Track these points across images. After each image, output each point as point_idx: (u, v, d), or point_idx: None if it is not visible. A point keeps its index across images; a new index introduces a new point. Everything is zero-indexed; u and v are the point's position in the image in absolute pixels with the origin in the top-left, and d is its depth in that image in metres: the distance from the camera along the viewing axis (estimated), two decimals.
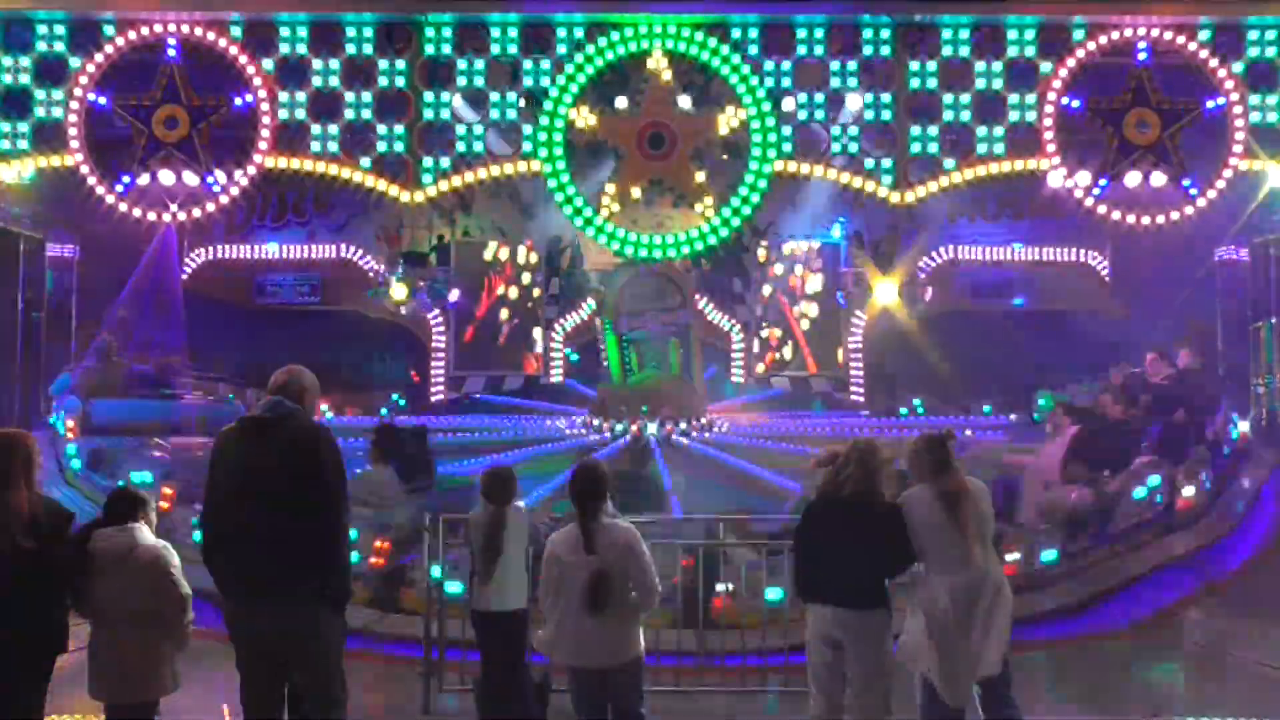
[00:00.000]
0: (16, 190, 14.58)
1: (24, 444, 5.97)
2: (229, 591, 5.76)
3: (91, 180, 13.81)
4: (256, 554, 5.60)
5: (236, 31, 13.92)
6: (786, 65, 14.14)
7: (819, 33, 14.13)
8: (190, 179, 13.81)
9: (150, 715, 6.13)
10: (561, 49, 14.13)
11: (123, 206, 13.91)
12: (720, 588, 10.14)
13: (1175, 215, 13.94)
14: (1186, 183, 13.91)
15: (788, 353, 18.38)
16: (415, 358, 18.85)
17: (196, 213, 14.04)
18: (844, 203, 15.77)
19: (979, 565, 6.46)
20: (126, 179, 13.81)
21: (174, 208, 13.96)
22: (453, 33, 14.13)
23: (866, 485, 6.48)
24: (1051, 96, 13.91)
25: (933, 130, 14.10)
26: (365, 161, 14.08)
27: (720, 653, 9.14)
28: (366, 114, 14.07)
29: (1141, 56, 13.93)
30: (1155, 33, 13.83)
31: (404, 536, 11.11)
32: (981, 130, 14.08)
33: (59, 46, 13.94)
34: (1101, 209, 14.03)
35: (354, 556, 9.01)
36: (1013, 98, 14.05)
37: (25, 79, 13.91)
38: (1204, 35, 13.89)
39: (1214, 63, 13.84)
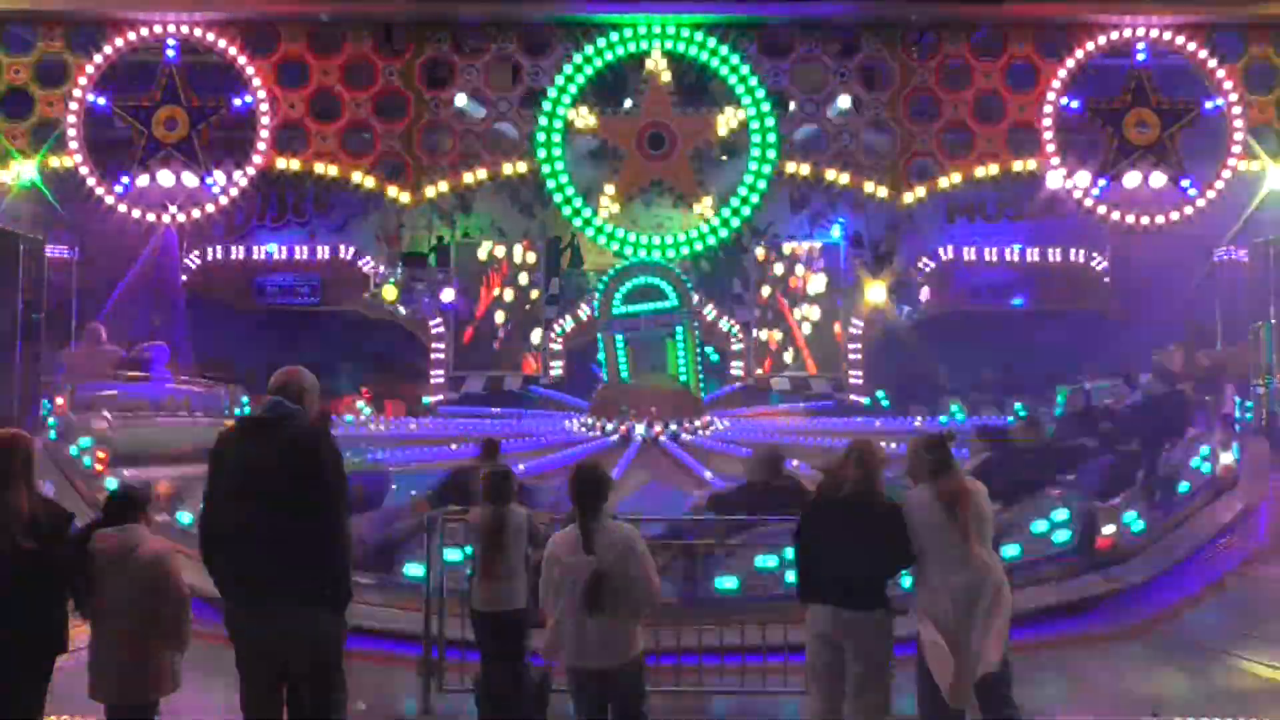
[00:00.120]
0: (17, 191, 14.57)
1: (24, 444, 5.96)
2: (228, 592, 5.75)
3: (91, 181, 13.82)
4: (256, 555, 5.60)
5: (236, 32, 13.92)
6: (786, 66, 14.15)
7: (819, 33, 14.14)
8: (190, 180, 13.83)
9: (150, 716, 6.12)
10: (562, 49, 14.14)
11: (122, 207, 13.92)
12: None
13: (1175, 215, 13.96)
14: (1186, 183, 13.92)
15: (788, 357, 18.38)
16: (413, 358, 18.84)
17: (196, 213, 14.06)
18: (844, 203, 15.80)
19: (979, 565, 6.46)
20: (126, 179, 13.83)
21: (173, 208, 13.99)
22: (453, 34, 14.14)
23: (866, 485, 6.47)
24: (1051, 97, 13.92)
25: (933, 130, 14.11)
26: (365, 162, 14.10)
27: (720, 651, 9.12)
28: (365, 114, 14.08)
29: (1140, 57, 13.94)
30: (1155, 33, 13.85)
31: None
32: (981, 130, 14.09)
33: (59, 47, 13.95)
34: (1101, 209, 14.05)
35: None
36: (1012, 98, 14.07)
37: (26, 80, 13.92)
38: (1203, 36, 13.89)
39: (1213, 63, 13.85)
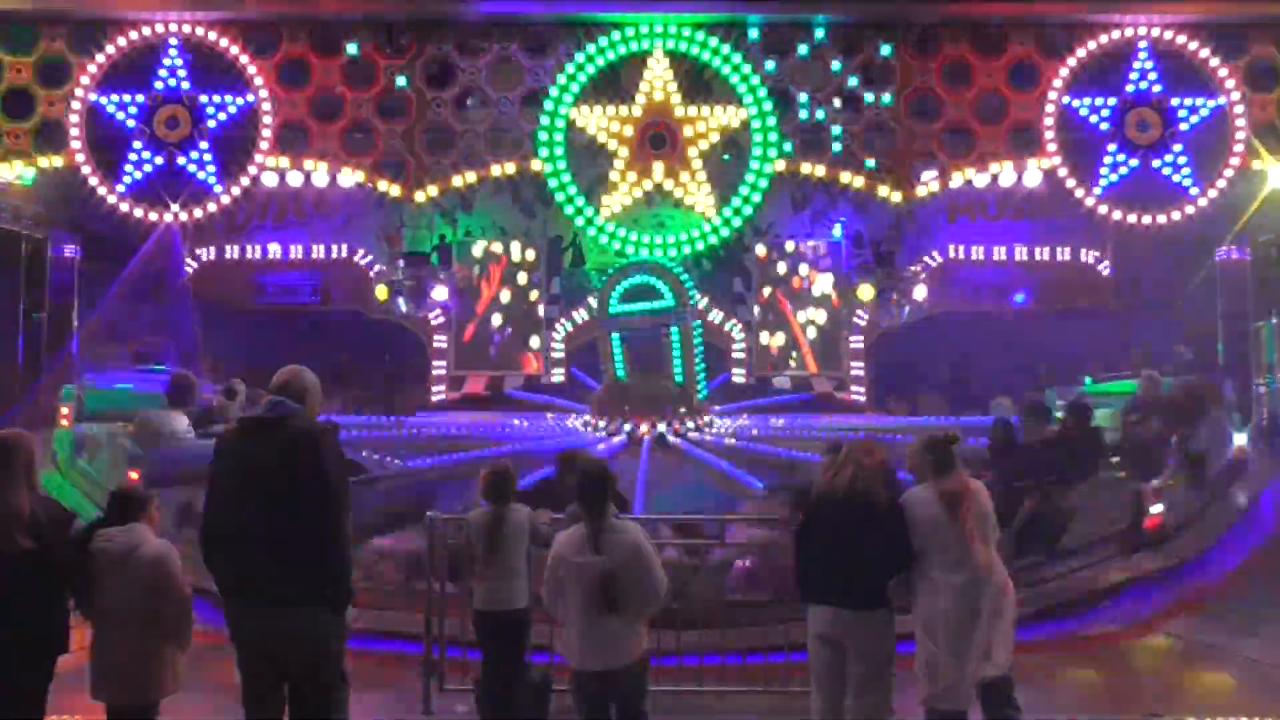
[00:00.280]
0: (18, 191, 14.59)
1: (25, 445, 5.97)
2: (229, 592, 5.75)
3: (93, 180, 13.84)
4: (257, 554, 5.60)
5: (238, 32, 13.94)
6: (788, 65, 14.16)
7: (820, 33, 14.15)
8: (191, 179, 13.88)
9: (152, 716, 6.13)
10: (562, 49, 14.15)
11: (124, 207, 13.94)
12: None
13: (1176, 215, 13.96)
14: (1188, 183, 13.93)
15: (791, 362, 18.36)
16: (415, 358, 18.81)
17: (198, 213, 14.07)
18: (845, 202, 15.81)
19: (981, 565, 6.46)
20: (128, 179, 13.85)
21: (175, 207, 13.99)
22: (454, 33, 14.15)
23: (866, 485, 6.47)
24: (1053, 96, 13.92)
25: (934, 129, 14.12)
26: (366, 162, 14.11)
27: (722, 651, 9.12)
28: (367, 114, 14.09)
29: (1143, 56, 13.94)
30: (1156, 32, 13.84)
31: None
32: (983, 130, 14.10)
33: (61, 47, 13.96)
34: (1102, 209, 14.05)
35: None
36: (1014, 97, 14.07)
37: (27, 80, 13.93)
38: (1205, 35, 13.89)
39: (1215, 62, 13.84)
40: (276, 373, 5.99)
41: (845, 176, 14.22)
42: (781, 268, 18.18)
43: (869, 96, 14.19)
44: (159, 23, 13.90)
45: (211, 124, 13.99)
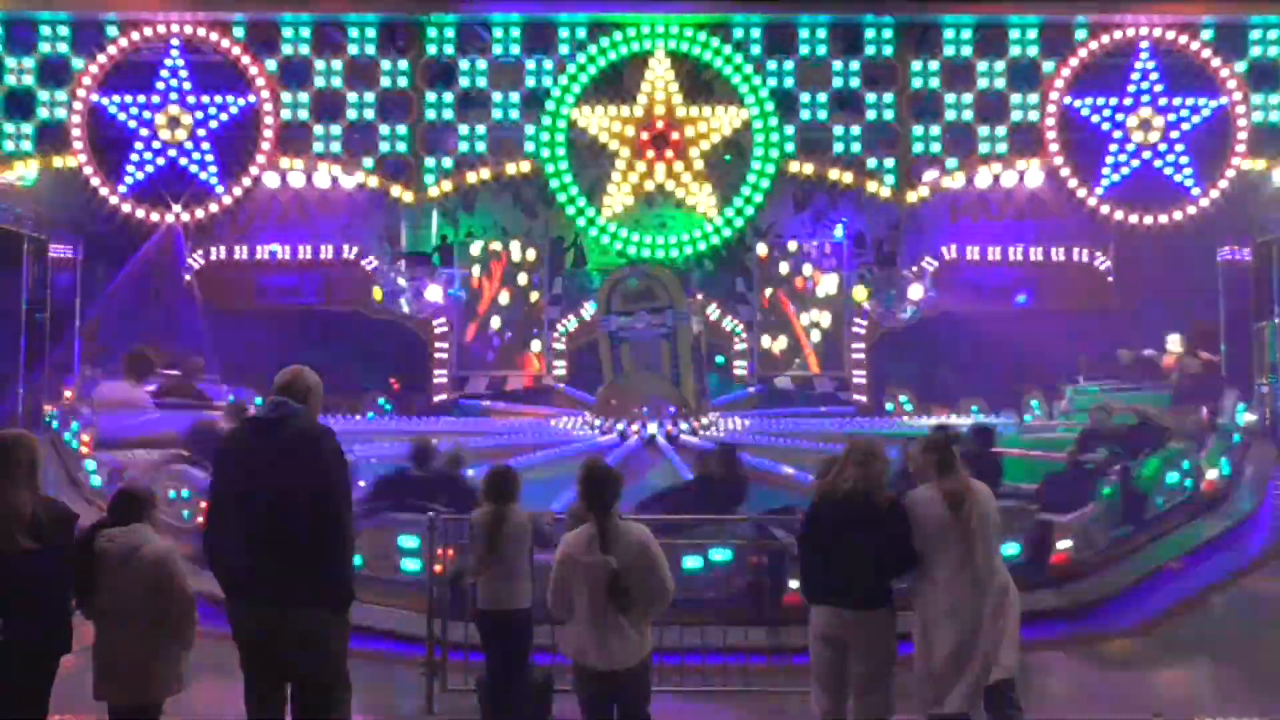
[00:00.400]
0: (20, 191, 14.60)
1: (27, 445, 5.97)
2: (232, 591, 5.76)
3: (95, 181, 13.85)
4: (259, 554, 5.61)
5: (239, 32, 13.95)
6: (789, 65, 14.16)
7: (821, 33, 14.15)
8: (193, 180, 13.90)
9: (154, 716, 6.13)
10: (563, 49, 14.16)
11: (126, 207, 13.95)
12: None
13: (1178, 215, 13.96)
14: (1189, 183, 13.93)
15: (796, 361, 18.38)
16: (412, 359, 18.83)
17: (199, 213, 14.08)
18: (846, 202, 15.81)
19: (982, 565, 6.46)
20: (129, 180, 13.86)
21: (177, 208, 14.00)
22: (455, 33, 14.16)
23: (867, 485, 6.47)
24: (1054, 96, 13.93)
25: (935, 130, 14.12)
26: (368, 162, 14.12)
27: (723, 651, 9.13)
28: (369, 114, 14.10)
29: (1144, 56, 13.93)
30: (1158, 32, 13.84)
31: None
32: (984, 130, 14.10)
33: (62, 48, 13.98)
34: (1104, 209, 14.05)
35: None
36: (1015, 97, 14.07)
37: (29, 80, 13.95)
38: (1206, 35, 13.89)
39: (1216, 62, 13.84)
40: (278, 373, 5.99)
41: (846, 177, 14.21)
42: (784, 268, 18.21)
43: (870, 96, 14.18)
44: (160, 23, 13.90)
45: (213, 124, 13.99)
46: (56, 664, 5.89)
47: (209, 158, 13.97)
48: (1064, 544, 11.01)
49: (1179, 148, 13.93)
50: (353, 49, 14.12)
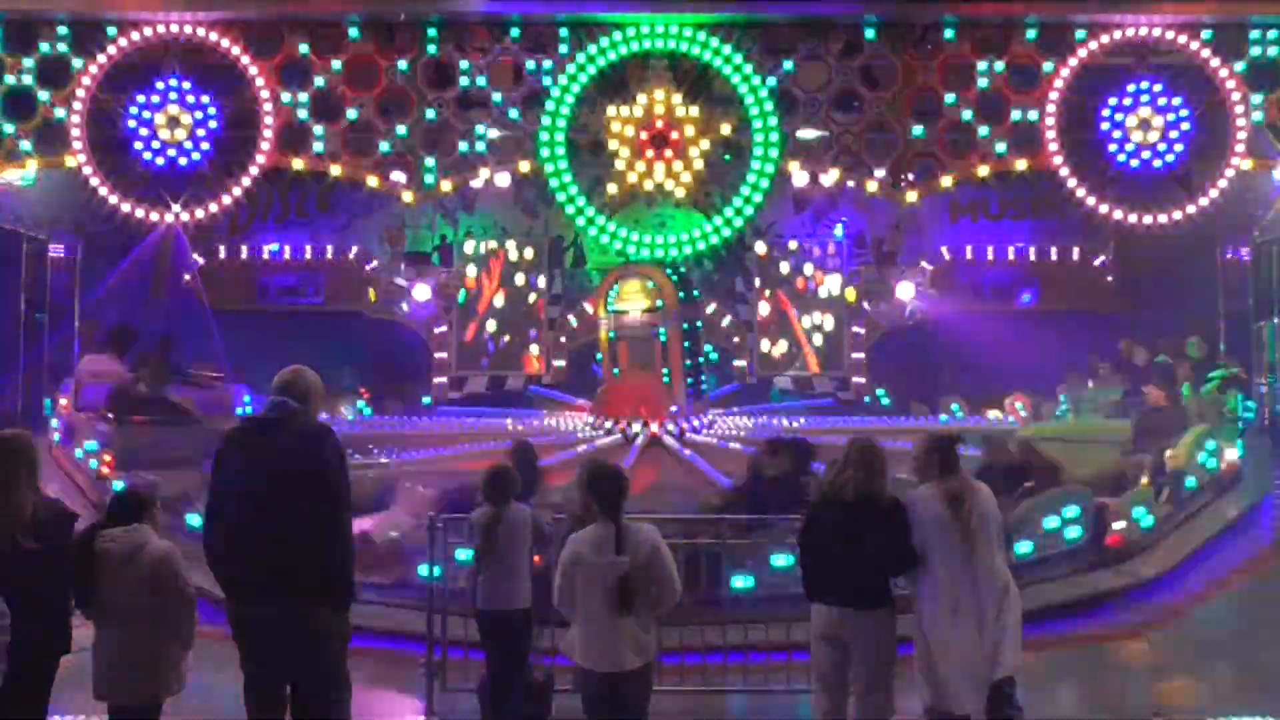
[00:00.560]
0: (20, 191, 14.60)
1: (26, 445, 5.98)
2: (231, 591, 5.76)
3: (94, 181, 13.85)
4: (259, 553, 5.61)
5: (239, 33, 13.95)
6: (789, 65, 14.17)
7: (820, 33, 14.16)
8: (192, 179, 13.91)
9: (154, 716, 6.13)
10: (563, 49, 14.16)
11: (125, 207, 13.95)
12: None
13: (1177, 215, 13.97)
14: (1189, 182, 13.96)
15: (790, 354, 18.36)
16: (416, 357, 18.82)
17: (199, 213, 14.08)
18: (846, 202, 15.82)
19: (983, 565, 6.47)
20: (129, 179, 13.88)
21: (176, 208, 14.00)
22: (455, 33, 14.16)
23: (867, 484, 6.47)
24: (1053, 96, 13.93)
25: (934, 130, 14.13)
26: (367, 162, 14.13)
27: (723, 650, 9.12)
28: (369, 114, 14.10)
29: (1144, 56, 13.92)
30: (1157, 32, 13.85)
31: None
32: (983, 130, 14.10)
33: (62, 48, 13.98)
34: (1103, 209, 14.05)
35: None
36: (1015, 97, 14.08)
37: (28, 80, 13.95)
38: (1205, 35, 13.89)
39: (1215, 62, 13.85)
40: (278, 373, 6.00)
41: (846, 177, 14.21)
42: (784, 267, 18.19)
43: (870, 96, 14.19)
44: (160, 23, 13.90)
45: (212, 124, 13.99)
46: (56, 664, 5.90)
47: (208, 158, 13.97)
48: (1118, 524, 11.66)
49: (1178, 147, 13.93)
50: (353, 49, 14.11)
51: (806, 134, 14.23)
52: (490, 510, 7.65)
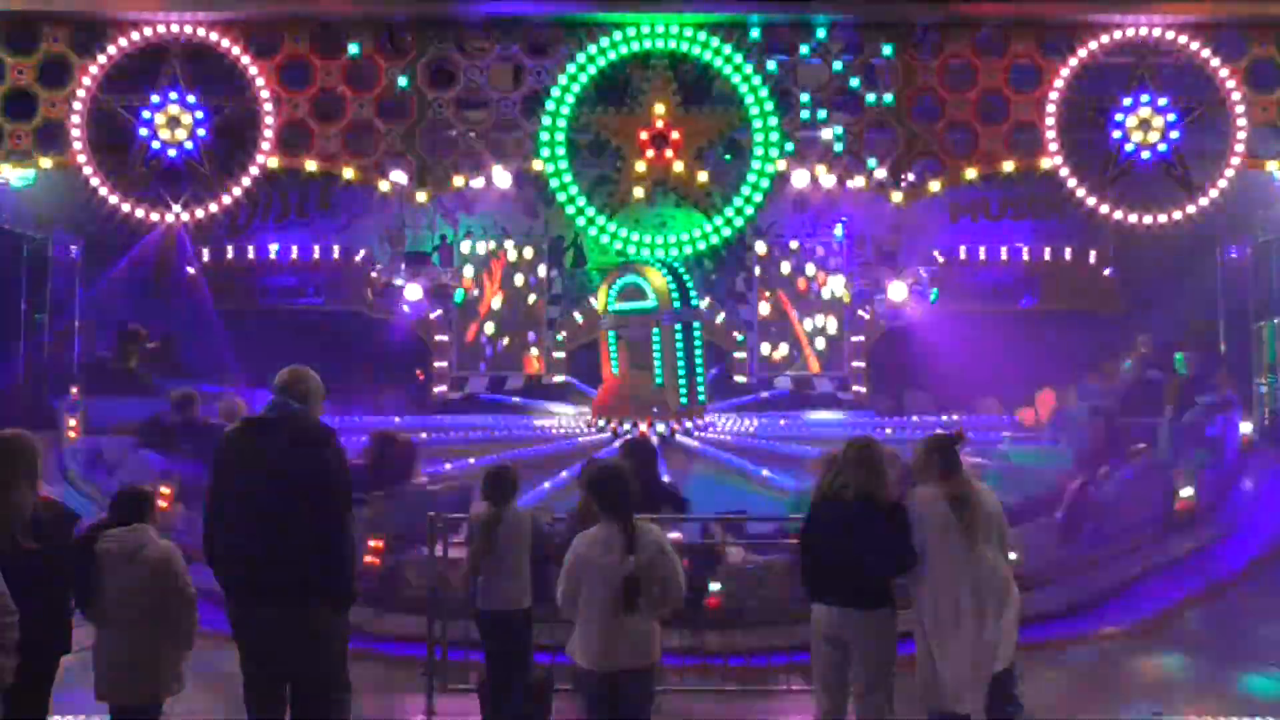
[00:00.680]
0: (20, 191, 14.59)
1: (27, 445, 5.99)
2: (232, 591, 5.77)
3: (95, 181, 13.85)
4: (259, 554, 5.62)
5: (239, 33, 13.94)
6: (789, 65, 14.16)
7: (820, 32, 14.16)
8: (193, 179, 13.91)
9: (155, 716, 6.14)
10: (564, 49, 14.15)
11: (125, 207, 13.95)
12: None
13: (1177, 215, 13.97)
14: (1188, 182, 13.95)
15: (791, 355, 18.35)
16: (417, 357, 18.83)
17: (199, 213, 14.08)
18: (846, 202, 15.81)
19: (984, 565, 6.47)
20: (129, 180, 13.88)
21: (177, 208, 14.00)
22: (455, 33, 14.17)
23: (867, 484, 6.48)
24: (1054, 96, 13.93)
25: (935, 130, 14.12)
26: (367, 162, 14.13)
27: (724, 652, 9.13)
28: (369, 114, 14.10)
29: (1144, 56, 13.92)
30: (1157, 32, 13.85)
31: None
32: (984, 130, 14.10)
33: (62, 48, 13.97)
34: (1104, 208, 14.05)
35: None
36: (1015, 97, 14.07)
37: (29, 80, 13.95)
38: (1206, 35, 13.89)
39: (1215, 62, 13.84)
40: (278, 373, 6.00)
41: (846, 177, 14.21)
42: (785, 267, 18.18)
43: (870, 96, 14.18)
44: (160, 23, 13.90)
45: (213, 124, 13.99)
46: (57, 664, 5.90)
47: (208, 157, 13.96)
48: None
49: (1178, 147, 13.92)
50: (353, 49, 14.11)
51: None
52: (490, 510, 7.66)
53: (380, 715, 8.46)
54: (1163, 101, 13.88)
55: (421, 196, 14.37)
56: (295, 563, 5.59)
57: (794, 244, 18.12)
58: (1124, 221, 14.11)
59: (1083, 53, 13.93)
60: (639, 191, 14.35)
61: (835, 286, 17.97)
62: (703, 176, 14.41)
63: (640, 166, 14.27)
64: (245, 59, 13.91)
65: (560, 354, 18.18)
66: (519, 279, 18.13)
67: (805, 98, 14.17)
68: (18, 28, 13.98)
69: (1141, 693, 9.24)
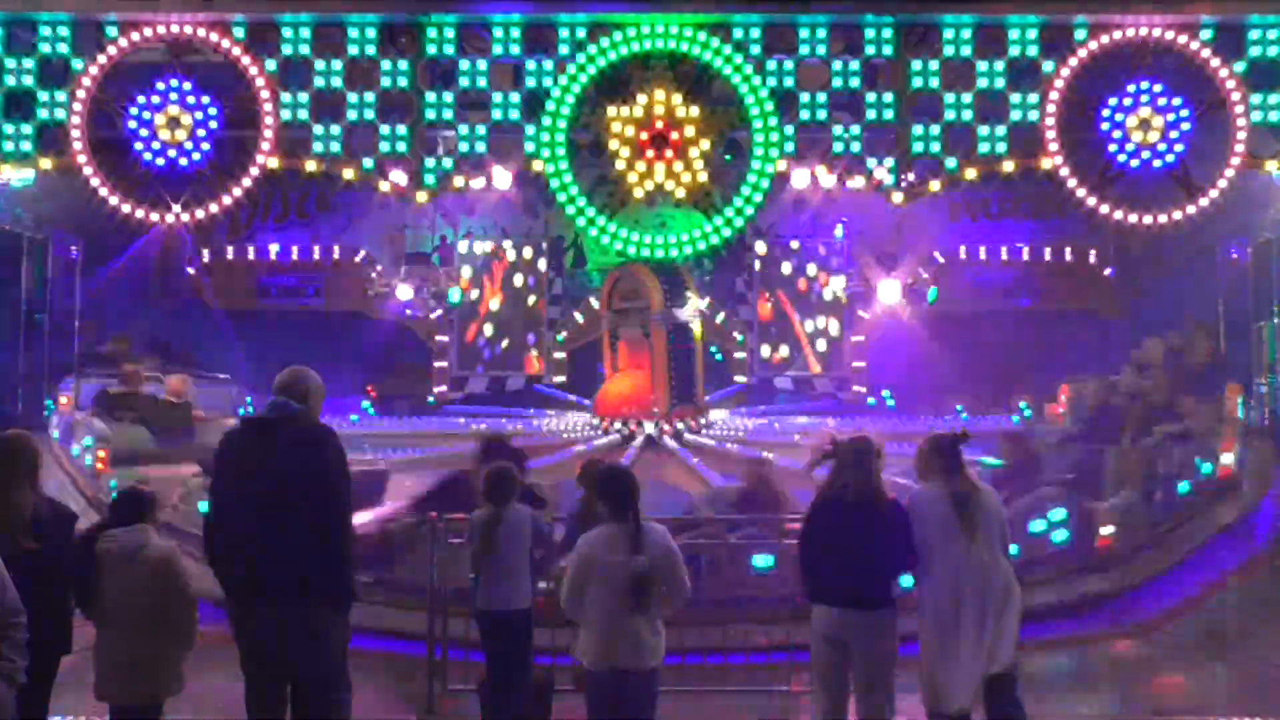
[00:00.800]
0: (20, 192, 14.59)
1: (27, 446, 6.00)
2: (232, 591, 5.77)
3: (94, 182, 13.84)
4: (260, 554, 5.62)
5: (239, 33, 13.95)
6: (789, 65, 14.16)
7: (821, 33, 14.15)
8: (193, 180, 13.91)
9: (156, 716, 6.14)
10: (564, 49, 14.15)
11: (126, 208, 13.94)
12: None
13: (1177, 215, 13.97)
14: (1188, 182, 13.94)
15: (790, 355, 18.37)
16: (417, 358, 18.86)
17: (200, 213, 14.08)
18: (847, 202, 15.80)
19: (986, 565, 6.47)
20: (129, 180, 13.88)
21: (177, 208, 14.00)
22: (455, 33, 14.16)
23: (866, 484, 6.47)
24: (1054, 96, 13.92)
25: (935, 130, 14.12)
26: (368, 162, 14.12)
27: (725, 651, 9.13)
28: (369, 115, 14.10)
29: (1144, 56, 13.91)
30: (1157, 32, 13.84)
31: None
32: (983, 130, 14.09)
33: (62, 48, 13.97)
34: (1103, 209, 14.04)
35: None
36: (1014, 97, 14.07)
37: (29, 81, 13.95)
38: (1205, 34, 13.89)
39: (1215, 62, 13.84)
40: (279, 374, 6.01)
41: (847, 177, 14.21)
42: (786, 268, 18.18)
43: (869, 96, 14.18)
44: (161, 24, 13.90)
45: (213, 124, 13.98)
46: (57, 664, 5.91)
47: (209, 158, 13.96)
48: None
49: (1178, 147, 13.92)
50: (353, 49, 14.10)
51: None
52: (490, 510, 7.66)
53: (381, 715, 8.46)
54: (1162, 101, 13.88)
55: (422, 197, 14.35)
56: (295, 562, 5.60)
57: (795, 244, 18.14)
58: (1124, 222, 14.10)
59: (1083, 53, 13.92)
60: (638, 192, 14.34)
61: (836, 287, 17.98)
62: (703, 177, 14.39)
63: (640, 167, 14.26)
64: (245, 59, 13.90)
65: (560, 354, 18.19)
66: (519, 279, 18.14)
67: (805, 98, 14.17)
68: (18, 28, 13.98)
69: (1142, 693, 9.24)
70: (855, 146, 14.18)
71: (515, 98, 14.20)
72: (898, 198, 14.30)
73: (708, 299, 17.68)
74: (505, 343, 18.18)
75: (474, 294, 18.05)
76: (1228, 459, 12.20)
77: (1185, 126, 13.91)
